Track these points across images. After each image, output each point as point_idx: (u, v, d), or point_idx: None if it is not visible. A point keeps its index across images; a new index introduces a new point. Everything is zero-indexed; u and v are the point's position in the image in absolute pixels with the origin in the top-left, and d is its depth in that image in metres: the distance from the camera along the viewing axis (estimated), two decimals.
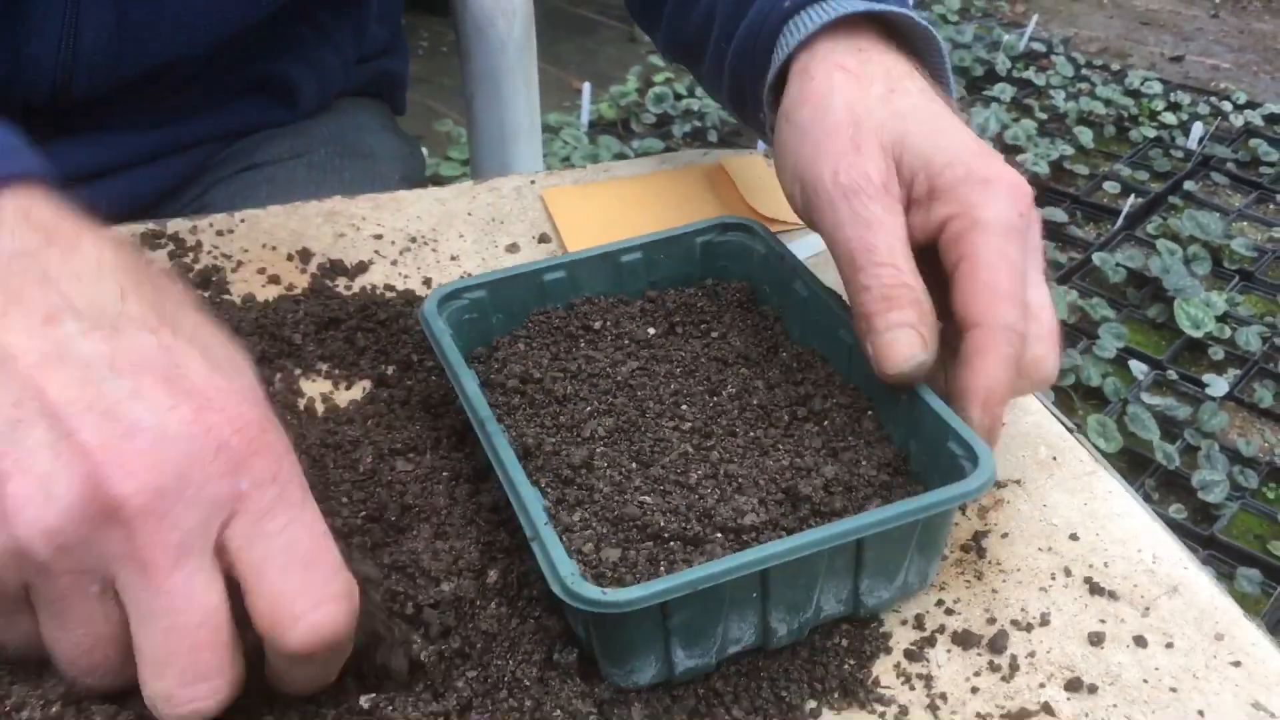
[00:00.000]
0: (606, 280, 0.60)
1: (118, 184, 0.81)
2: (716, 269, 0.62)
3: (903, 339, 0.49)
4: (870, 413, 0.53)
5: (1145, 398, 1.82)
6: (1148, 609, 0.50)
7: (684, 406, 0.53)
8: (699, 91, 2.69)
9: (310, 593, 0.38)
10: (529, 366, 0.54)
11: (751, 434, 0.52)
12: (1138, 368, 1.88)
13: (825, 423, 0.52)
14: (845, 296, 0.54)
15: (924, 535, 0.48)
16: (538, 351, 0.56)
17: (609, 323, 0.58)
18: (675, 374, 0.55)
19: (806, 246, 0.72)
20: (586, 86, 2.59)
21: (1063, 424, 0.59)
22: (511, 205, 0.76)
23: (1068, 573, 0.52)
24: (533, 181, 0.79)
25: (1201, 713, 0.46)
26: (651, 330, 0.58)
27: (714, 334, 0.58)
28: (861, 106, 0.55)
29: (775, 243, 0.60)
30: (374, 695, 0.43)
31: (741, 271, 0.61)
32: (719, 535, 0.46)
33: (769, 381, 0.55)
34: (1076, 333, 1.97)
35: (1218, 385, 1.84)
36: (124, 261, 0.40)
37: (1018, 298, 0.50)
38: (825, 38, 0.58)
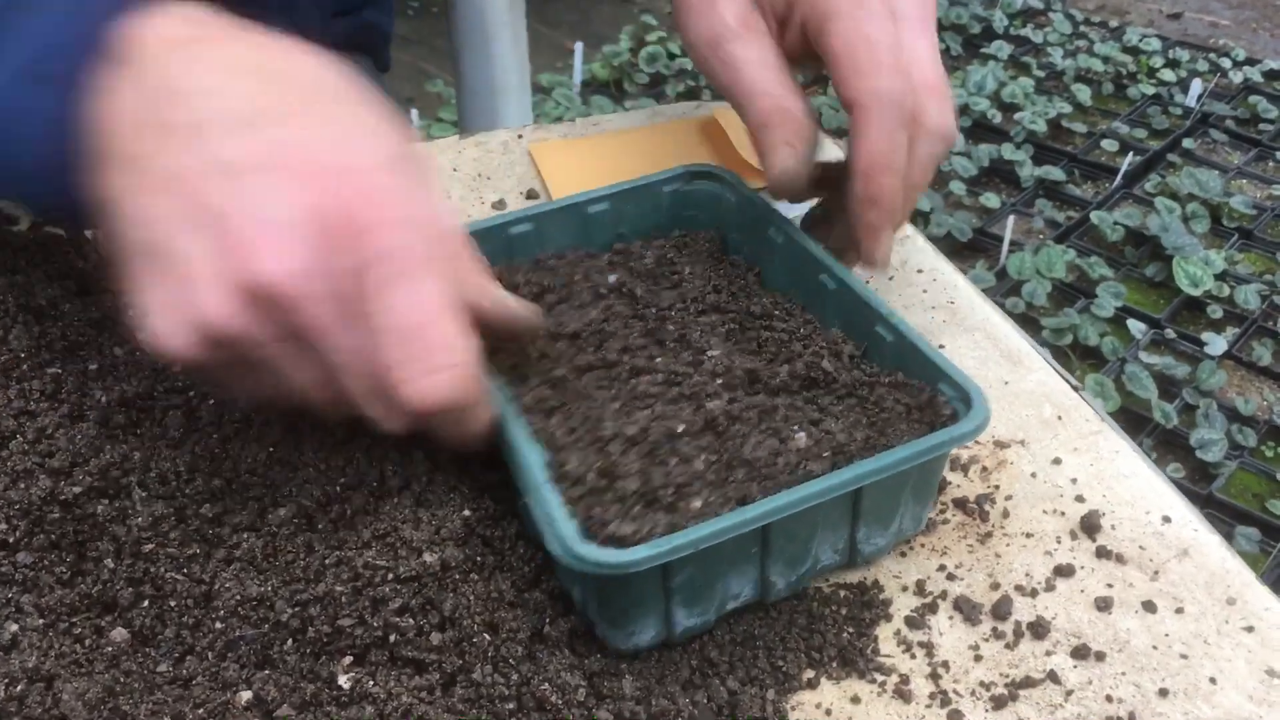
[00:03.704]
0: (574, 233, 0.58)
1: None
2: (685, 218, 0.60)
3: (777, 154, 0.54)
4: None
5: (1143, 356, 1.80)
6: (1157, 573, 0.49)
7: (658, 359, 0.51)
8: None
9: (413, 364, 0.39)
10: None
11: (733, 390, 0.50)
12: (1136, 327, 1.86)
13: (814, 375, 0.50)
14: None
15: (918, 479, 0.47)
16: None
17: (578, 276, 0.56)
18: (649, 328, 0.53)
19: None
20: (579, 47, 2.55)
21: (1067, 382, 0.58)
22: (499, 160, 0.74)
23: (1074, 536, 0.50)
24: (520, 136, 0.76)
25: (1213, 680, 0.45)
26: (613, 278, 0.56)
27: (685, 285, 0.56)
28: None
29: (745, 189, 0.58)
30: (355, 671, 0.41)
31: (711, 220, 0.60)
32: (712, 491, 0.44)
33: (744, 329, 0.53)
34: (1074, 292, 1.95)
35: (1216, 344, 1.82)
36: (253, 60, 0.43)
37: (886, 65, 0.51)
38: None
